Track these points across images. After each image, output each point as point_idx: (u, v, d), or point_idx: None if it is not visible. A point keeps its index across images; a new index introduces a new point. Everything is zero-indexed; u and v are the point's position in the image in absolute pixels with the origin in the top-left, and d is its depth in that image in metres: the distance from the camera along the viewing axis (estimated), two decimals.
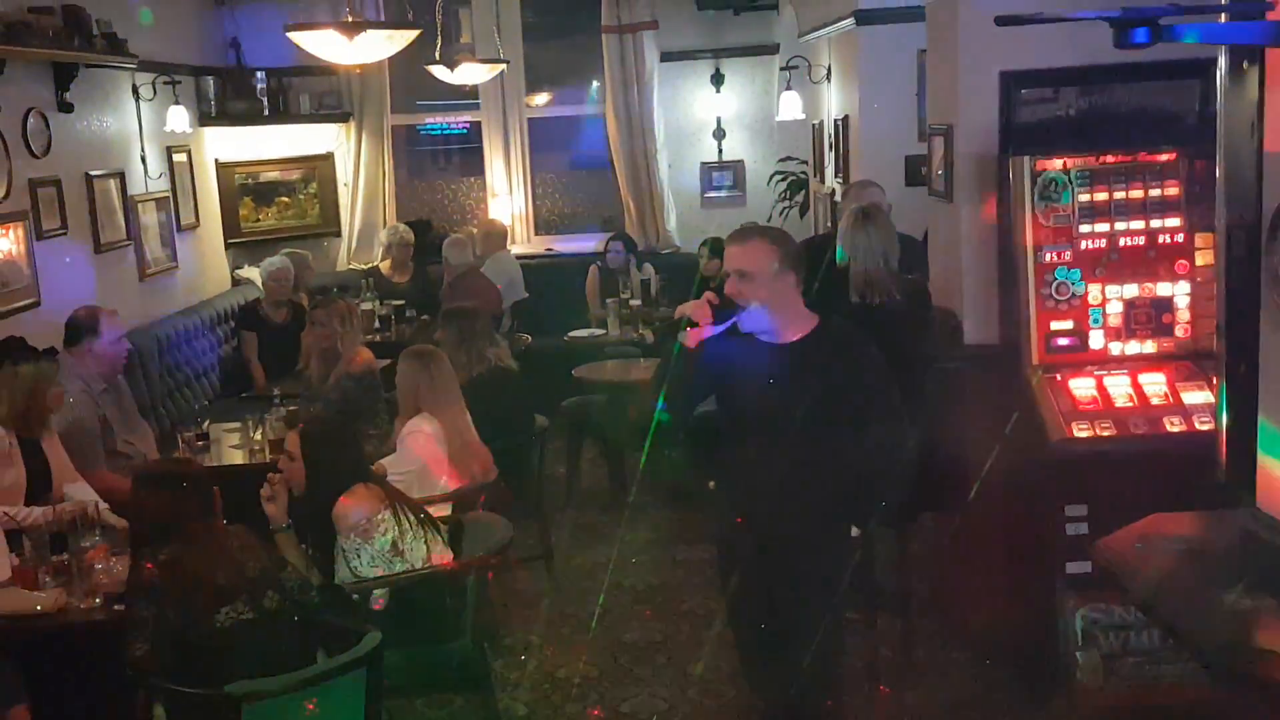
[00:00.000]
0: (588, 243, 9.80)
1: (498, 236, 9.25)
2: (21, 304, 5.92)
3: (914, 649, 5.03)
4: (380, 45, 5.15)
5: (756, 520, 3.70)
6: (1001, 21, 2.80)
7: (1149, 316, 4.54)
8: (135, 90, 7.62)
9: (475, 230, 9.40)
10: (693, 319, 3.41)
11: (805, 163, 9.53)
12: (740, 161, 10.00)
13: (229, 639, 3.47)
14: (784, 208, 9.60)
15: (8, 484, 4.65)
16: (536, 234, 10.31)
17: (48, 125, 6.40)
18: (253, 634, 3.51)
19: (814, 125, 9.19)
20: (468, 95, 9.80)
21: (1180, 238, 4.53)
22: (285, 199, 9.71)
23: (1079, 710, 4.42)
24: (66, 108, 6.63)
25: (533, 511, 5.94)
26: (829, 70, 8.61)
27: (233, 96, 9.07)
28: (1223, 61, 3.19)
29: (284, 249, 8.60)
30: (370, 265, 9.56)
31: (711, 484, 6.90)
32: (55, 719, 3.95)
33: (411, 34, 5.20)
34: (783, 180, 9.66)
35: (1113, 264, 4.53)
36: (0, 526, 4.37)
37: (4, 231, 5.86)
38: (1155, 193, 4.53)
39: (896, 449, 3.56)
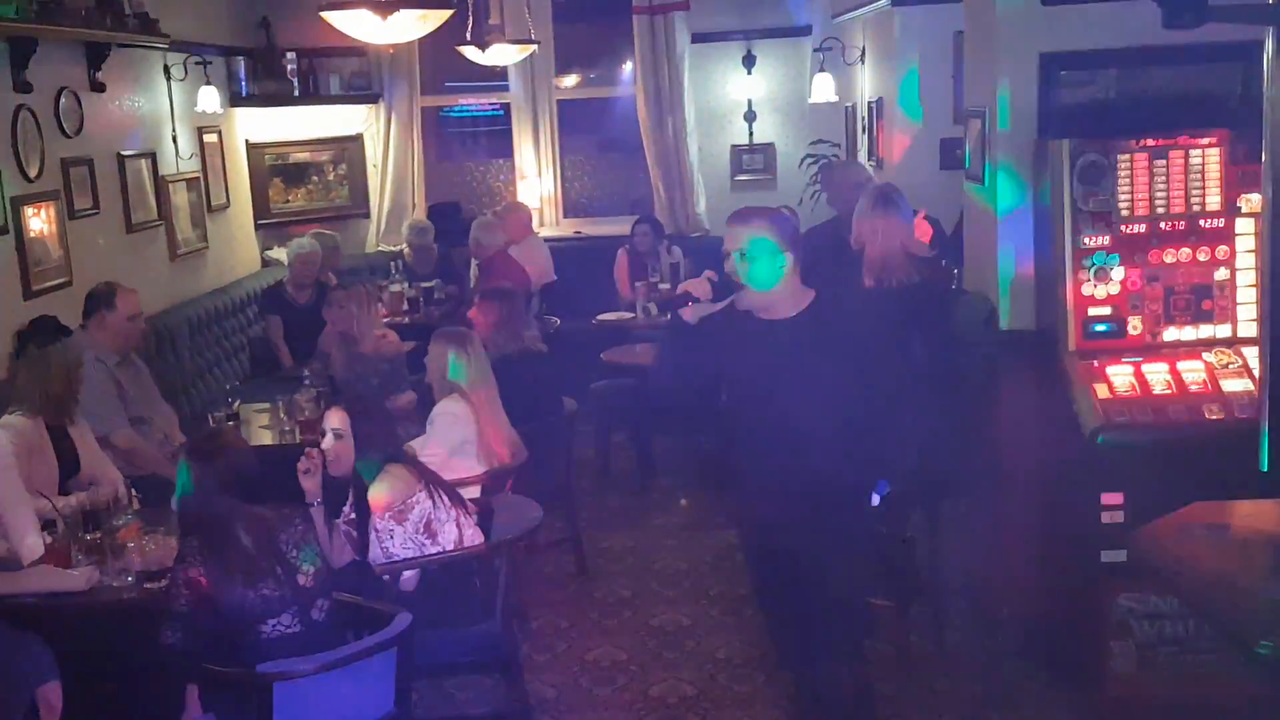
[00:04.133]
0: (617, 226, 9.75)
1: (524, 220, 9.22)
2: (54, 283, 5.95)
3: (946, 637, 4.99)
4: (413, 25, 5.13)
5: (773, 495, 3.76)
6: (1049, 0, 2.75)
7: (1189, 303, 4.48)
8: (167, 70, 7.63)
9: (500, 212, 9.37)
10: (694, 295, 3.60)
11: (837, 146, 9.45)
12: (771, 144, 9.92)
13: (271, 650, 3.42)
14: (815, 191, 9.52)
15: (42, 475, 4.54)
16: (565, 216, 10.28)
17: (80, 105, 6.41)
18: (297, 645, 3.45)
19: (847, 108, 9.12)
20: (497, 76, 9.77)
21: (1222, 223, 4.46)
22: (315, 179, 9.72)
23: (1113, 700, 4.38)
24: (99, 87, 6.63)
25: (561, 495, 5.93)
26: (863, 52, 8.54)
27: (263, 77, 9.08)
28: (1269, 43, 3.13)
29: (313, 230, 8.60)
30: (399, 247, 9.56)
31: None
32: (87, 697, 3.96)
33: (445, 14, 5.18)
34: (814, 163, 9.58)
35: (1153, 249, 4.47)
36: (39, 514, 4.39)
37: (37, 210, 5.88)
38: (1196, 177, 4.46)
39: (899, 410, 3.71)
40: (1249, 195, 4.37)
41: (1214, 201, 4.46)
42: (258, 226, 9.33)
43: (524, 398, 5.42)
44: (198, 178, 8.04)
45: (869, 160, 8.35)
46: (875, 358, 3.66)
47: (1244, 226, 4.43)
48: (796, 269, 3.66)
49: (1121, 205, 4.46)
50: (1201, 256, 4.47)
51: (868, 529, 3.93)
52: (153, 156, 7.36)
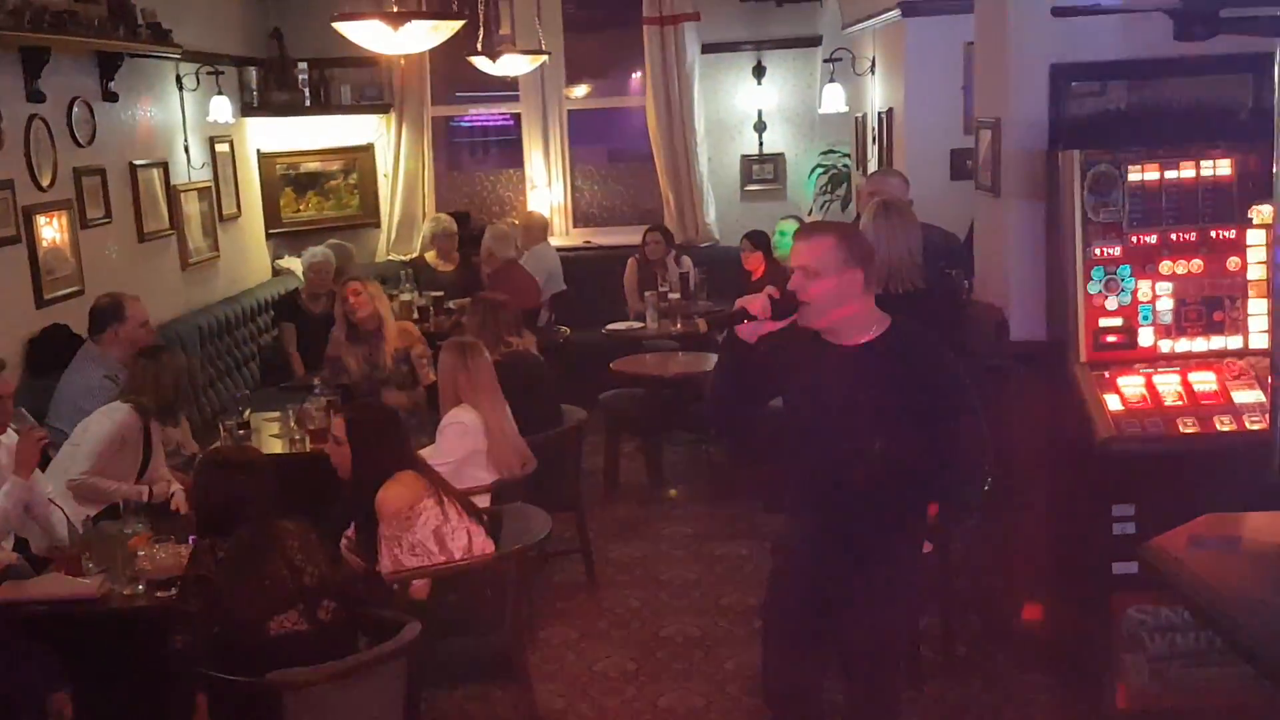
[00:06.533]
0: (627, 235, 9.77)
1: (538, 229, 9.25)
2: (66, 291, 5.98)
3: (956, 648, 4.98)
4: (425, 35, 5.15)
5: (825, 531, 3.45)
6: (1058, 12, 2.76)
7: (1200, 314, 4.46)
8: (179, 80, 7.67)
9: (515, 222, 9.41)
10: (750, 313, 3.27)
11: (848, 156, 9.46)
12: (781, 154, 9.94)
13: (278, 648, 3.41)
14: (825, 201, 9.54)
15: (123, 467, 4.88)
16: (575, 226, 10.30)
17: (92, 115, 6.45)
18: (303, 645, 3.44)
19: (857, 118, 9.12)
20: (508, 86, 9.80)
21: (1232, 234, 4.45)
22: (330, 186, 9.75)
23: (1124, 713, 4.36)
24: (111, 97, 6.67)
25: (571, 504, 5.92)
26: (873, 62, 8.54)
27: (275, 87, 9.13)
28: None
29: (328, 240, 8.63)
30: (410, 256, 9.58)
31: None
32: (97, 706, 3.96)
33: (456, 24, 5.20)
34: (824, 173, 9.59)
35: (1163, 260, 4.46)
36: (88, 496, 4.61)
37: (49, 220, 5.91)
38: (1207, 188, 4.45)
39: (978, 455, 3.37)
40: (1260, 207, 4.36)
41: (1225, 213, 4.45)
42: (269, 236, 9.37)
43: (519, 405, 5.36)
44: (209, 187, 8.08)
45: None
46: (954, 393, 3.33)
47: (1255, 238, 4.41)
48: (870, 292, 3.35)
49: (1132, 216, 4.45)
50: (1212, 268, 4.46)
51: (917, 586, 3.61)
52: (164, 166, 7.40)
